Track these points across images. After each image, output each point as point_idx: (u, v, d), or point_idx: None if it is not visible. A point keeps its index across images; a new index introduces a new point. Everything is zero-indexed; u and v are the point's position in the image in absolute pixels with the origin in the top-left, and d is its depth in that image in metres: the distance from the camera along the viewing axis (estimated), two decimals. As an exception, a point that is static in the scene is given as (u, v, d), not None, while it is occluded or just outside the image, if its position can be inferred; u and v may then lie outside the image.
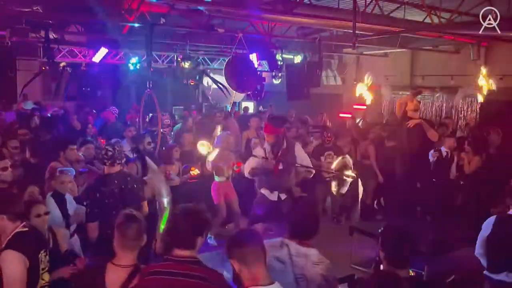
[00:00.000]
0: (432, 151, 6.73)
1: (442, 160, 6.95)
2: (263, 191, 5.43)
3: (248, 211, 6.59)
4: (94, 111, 10.52)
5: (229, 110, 12.23)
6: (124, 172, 4.21)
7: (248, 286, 2.17)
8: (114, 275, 2.54)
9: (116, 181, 3.94)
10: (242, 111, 12.57)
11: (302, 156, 5.41)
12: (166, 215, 4.66)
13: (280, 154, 5.22)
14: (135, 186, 4.07)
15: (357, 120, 10.63)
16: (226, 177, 6.51)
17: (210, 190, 6.53)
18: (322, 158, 7.67)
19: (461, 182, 7.10)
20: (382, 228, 2.81)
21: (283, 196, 5.30)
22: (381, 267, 2.88)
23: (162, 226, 4.84)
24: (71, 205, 4.25)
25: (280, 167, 5.26)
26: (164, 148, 6.69)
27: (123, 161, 4.21)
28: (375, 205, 8.50)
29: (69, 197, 4.28)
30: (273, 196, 5.33)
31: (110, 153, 3.99)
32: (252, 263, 2.19)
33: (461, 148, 7.17)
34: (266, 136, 5.36)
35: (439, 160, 6.88)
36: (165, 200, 4.77)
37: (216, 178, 6.52)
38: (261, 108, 12.70)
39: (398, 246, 2.65)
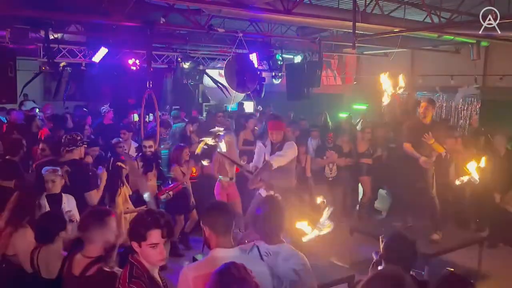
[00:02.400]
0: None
1: (442, 160, 6.94)
2: (260, 190, 5.40)
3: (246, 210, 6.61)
4: (85, 109, 10.54)
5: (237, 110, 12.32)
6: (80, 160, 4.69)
7: (213, 247, 2.55)
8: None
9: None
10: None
11: (285, 150, 5.03)
12: None
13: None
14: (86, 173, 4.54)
15: (357, 120, 10.66)
16: (230, 177, 6.51)
17: (209, 189, 6.54)
18: (324, 158, 7.68)
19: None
20: (388, 235, 2.85)
21: (278, 197, 5.21)
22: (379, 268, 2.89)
23: None
24: (70, 204, 4.18)
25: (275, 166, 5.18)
26: (173, 149, 6.72)
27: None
28: (375, 205, 8.51)
29: (68, 196, 4.22)
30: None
31: (66, 140, 4.63)
32: (221, 232, 2.56)
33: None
34: (273, 133, 5.19)
35: (439, 161, 6.87)
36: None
37: (220, 177, 6.52)
38: (259, 107, 12.70)
39: (403, 254, 2.69)
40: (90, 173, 4.74)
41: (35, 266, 3.10)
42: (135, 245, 2.40)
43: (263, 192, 5.34)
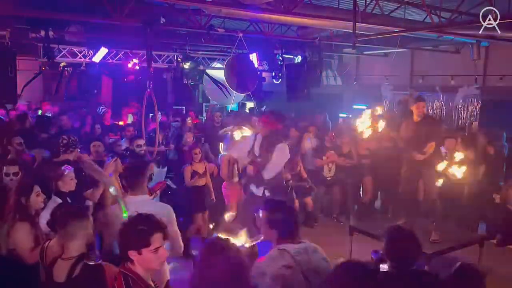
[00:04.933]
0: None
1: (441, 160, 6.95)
2: (251, 187, 5.38)
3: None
4: (83, 109, 10.54)
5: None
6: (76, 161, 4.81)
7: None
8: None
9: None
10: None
11: (276, 159, 5.06)
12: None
13: (260, 152, 5.11)
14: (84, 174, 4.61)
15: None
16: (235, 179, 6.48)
17: (217, 190, 6.53)
18: (324, 158, 7.69)
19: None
20: (387, 229, 2.81)
21: (267, 193, 5.15)
22: (381, 266, 2.88)
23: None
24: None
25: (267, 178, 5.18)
26: (186, 149, 6.71)
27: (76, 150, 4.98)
28: (375, 205, 8.51)
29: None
30: (259, 192, 5.22)
31: (65, 141, 4.81)
32: (133, 186, 3.53)
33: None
34: (261, 127, 5.21)
35: (439, 161, 6.87)
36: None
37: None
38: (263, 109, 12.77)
39: (404, 246, 2.67)
40: (83, 173, 4.76)
41: (44, 260, 3.09)
42: (133, 253, 2.29)
43: (253, 188, 5.31)
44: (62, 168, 4.24)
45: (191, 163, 6.29)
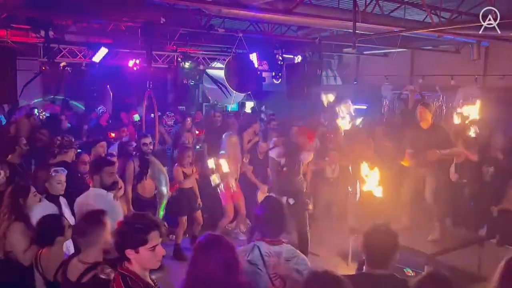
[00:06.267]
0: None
1: (442, 160, 6.94)
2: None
3: (249, 212, 6.57)
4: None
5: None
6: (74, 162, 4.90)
7: None
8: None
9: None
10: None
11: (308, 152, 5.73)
12: (164, 202, 5.07)
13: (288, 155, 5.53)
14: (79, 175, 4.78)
15: (359, 120, 10.65)
16: (234, 178, 6.46)
17: (208, 190, 6.47)
18: (326, 159, 7.67)
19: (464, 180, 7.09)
20: (367, 230, 2.79)
21: (291, 201, 5.27)
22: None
23: (161, 212, 5.38)
24: (66, 207, 4.13)
25: (285, 168, 5.34)
26: (178, 150, 6.61)
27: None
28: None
29: (63, 200, 4.17)
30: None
31: (58, 142, 4.84)
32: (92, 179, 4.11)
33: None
34: (301, 137, 5.67)
35: (440, 161, 6.87)
36: (164, 189, 5.11)
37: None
38: (263, 109, 12.74)
39: (380, 246, 2.65)
40: (79, 175, 4.78)
41: (38, 267, 3.08)
42: (130, 252, 2.29)
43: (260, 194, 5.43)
44: (52, 170, 4.13)
45: (182, 164, 6.04)
